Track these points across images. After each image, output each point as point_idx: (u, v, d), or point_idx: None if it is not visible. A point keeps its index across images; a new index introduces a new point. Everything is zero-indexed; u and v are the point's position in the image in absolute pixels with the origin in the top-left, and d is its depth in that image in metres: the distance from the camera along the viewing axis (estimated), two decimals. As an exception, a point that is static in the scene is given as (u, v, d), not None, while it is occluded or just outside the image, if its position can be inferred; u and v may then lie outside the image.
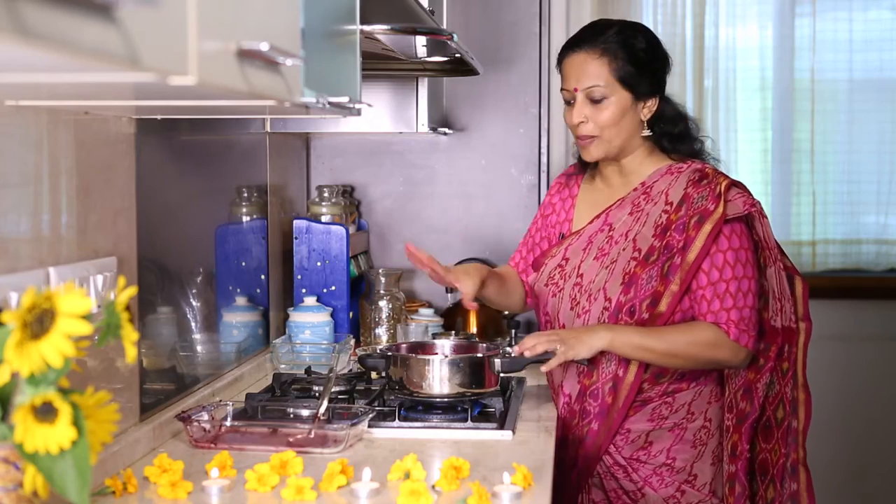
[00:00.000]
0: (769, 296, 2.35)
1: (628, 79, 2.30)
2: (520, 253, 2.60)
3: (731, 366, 2.31)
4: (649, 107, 2.35)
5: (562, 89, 2.37)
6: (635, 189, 2.39)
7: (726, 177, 2.34)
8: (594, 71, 2.30)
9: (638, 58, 2.31)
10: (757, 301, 2.30)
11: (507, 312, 3.31)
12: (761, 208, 2.33)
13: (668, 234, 2.29)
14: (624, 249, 2.34)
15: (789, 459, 2.36)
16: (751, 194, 2.34)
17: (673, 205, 2.32)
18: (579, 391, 2.36)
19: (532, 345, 2.24)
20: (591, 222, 2.42)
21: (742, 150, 3.99)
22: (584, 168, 2.51)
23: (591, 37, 2.33)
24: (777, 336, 2.35)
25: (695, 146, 2.41)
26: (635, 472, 2.33)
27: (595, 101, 2.31)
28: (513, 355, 2.27)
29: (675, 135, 2.38)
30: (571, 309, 2.36)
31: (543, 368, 2.25)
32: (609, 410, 2.32)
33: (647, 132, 2.36)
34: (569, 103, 2.35)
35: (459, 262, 3.42)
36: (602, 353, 2.27)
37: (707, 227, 2.26)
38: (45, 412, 1.20)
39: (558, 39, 3.51)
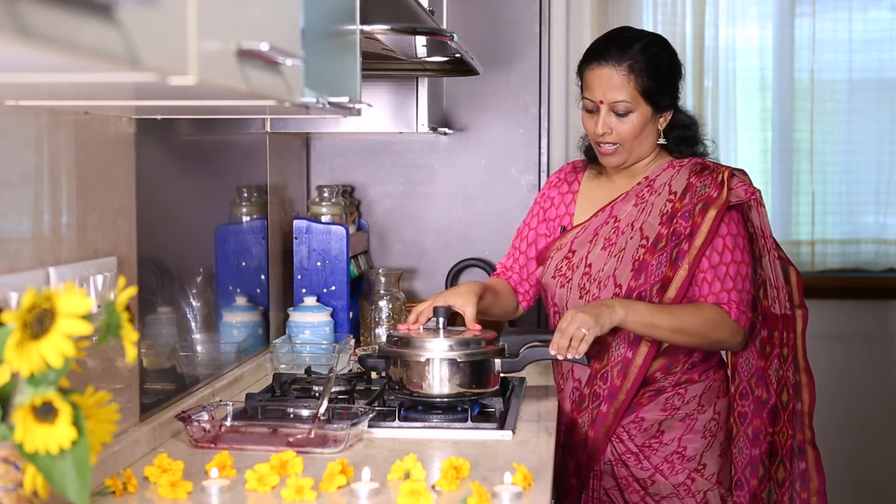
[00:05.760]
0: (766, 283, 2.46)
1: (651, 94, 2.37)
2: (511, 265, 2.61)
3: (729, 347, 2.41)
4: (666, 117, 2.43)
5: (584, 97, 2.42)
6: (639, 183, 2.47)
7: (727, 167, 2.44)
8: (621, 86, 2.35)
9: (660, 73, 2.38)
10: (752, 286, 2.40)
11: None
12: (760, 197, 2.42)
13: (675, 221, 2.38)
14: (631, 238, 2.41)
15: (796, 440, 2.48)
16: (751, 182, 2.43)
17: (677, 194, 2.41)
18: (589, 375, 2.43)
19: (566, 345, 2.22)
20: (595, 215, 2.48)
21: (742, 150, 3.99)
22: (591, 162, 2.55)
23: (618, 51, 2.37)
24: (777, 322, 2.47)
25: (698, 149, 2.50)
26: (647, 459, 2.41)
27: (619, 114, 2.37)
28: (553, 355, 2.24)
29: (686, 140, 2.47)
30: (580, 298, 2.43)
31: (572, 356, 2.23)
32: (618, 392, 2.39)
33: (662, 140, 2.45)
34: (590, 111, 2.41)
35: (458, 263, 3.43)
36: (611, 336, 2.35)
37: (712, 213, 2.35)
38: (45, 412, 1.20)
39: (558, 39, 3.51)
